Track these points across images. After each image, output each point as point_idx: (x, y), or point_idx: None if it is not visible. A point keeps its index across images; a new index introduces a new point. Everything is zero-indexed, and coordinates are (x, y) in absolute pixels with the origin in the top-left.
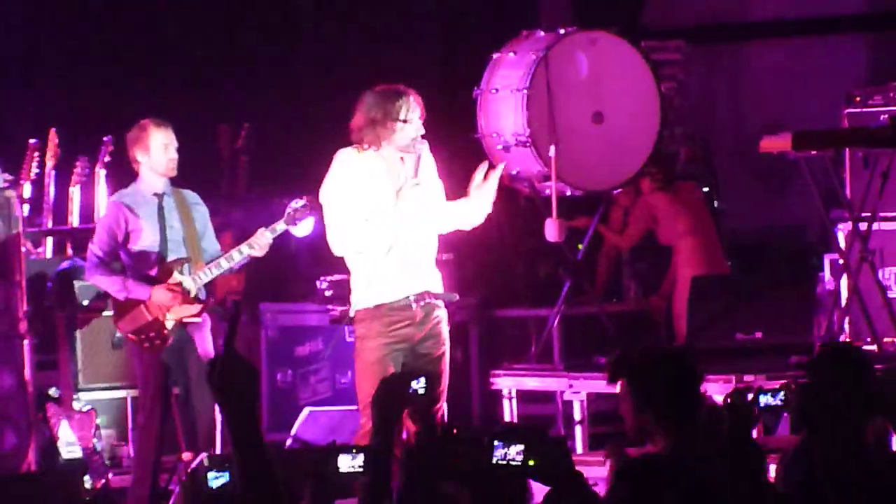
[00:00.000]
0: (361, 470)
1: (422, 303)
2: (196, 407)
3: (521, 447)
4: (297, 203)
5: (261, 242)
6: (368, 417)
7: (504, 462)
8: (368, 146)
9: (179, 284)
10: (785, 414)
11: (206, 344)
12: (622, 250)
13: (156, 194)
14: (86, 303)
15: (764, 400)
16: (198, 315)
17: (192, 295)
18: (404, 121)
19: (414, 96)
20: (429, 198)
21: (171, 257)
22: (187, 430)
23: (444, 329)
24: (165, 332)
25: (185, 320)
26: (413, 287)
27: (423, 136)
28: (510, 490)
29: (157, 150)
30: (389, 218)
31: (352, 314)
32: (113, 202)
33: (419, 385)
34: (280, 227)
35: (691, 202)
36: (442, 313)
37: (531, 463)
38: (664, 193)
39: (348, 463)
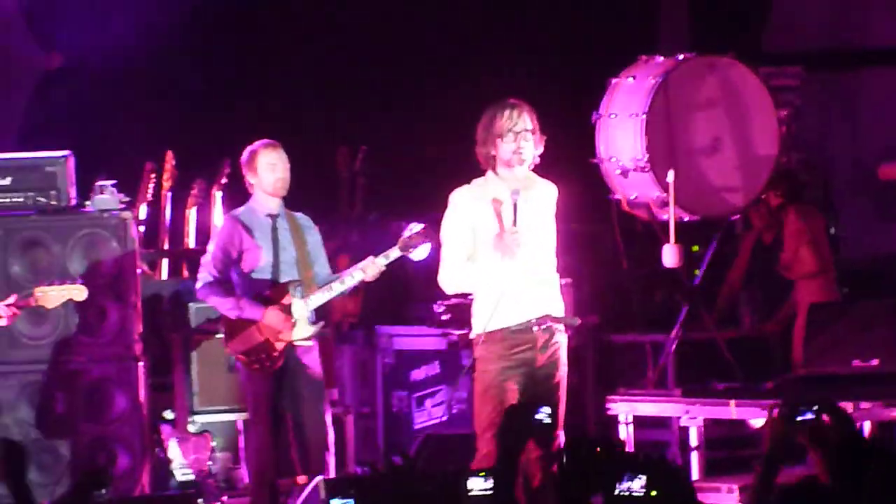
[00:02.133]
0: (491, 493)
1: (543, 326)
2: (307, 430)
3: (643, 479)
4: (412, 230)
5: (371, 270)
6: (487, 442)
7: (627, 494)
8: (485, 168)
9: (292, 307)
10: None
11: (316, 366)
12: (817, 274)
13: (269, 215)
14: (194, 325)
15: (801, 417)
16: (309, 338)
17: (304, 318)
18: (501, 135)
19: (515, 108)
20: (532, 241)
21: (283, 279)
22: (301, 452)
23: (563, 354)
24: (276, 353)
25: (295, 343)
26: (535, 311)
27: (541, 153)
28: None
29: (265, 170)
30: (490, 261)
31: (472, 336)
32: (228, 220)
33: (544, 414)
34: (394, 254)
35: (818, 225)
36: (562, 338)
37: (653, 494)
38: (797, 213)
39: (479, 486)
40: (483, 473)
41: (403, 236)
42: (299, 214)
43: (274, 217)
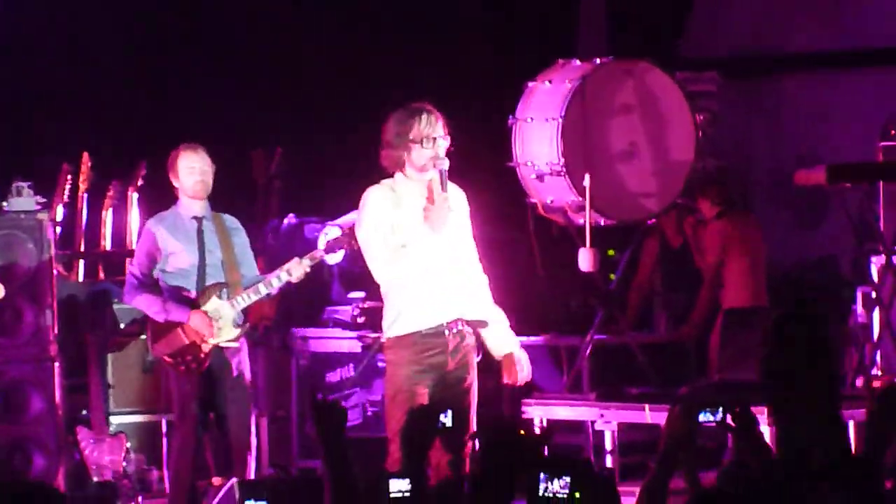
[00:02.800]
0: (409, 494)
1: (454, 330)
2: (231, 431)
3: (566, 480)
4: (328, 233)
5: (296, 271)
6: (398, 445)
7: (550, 495)
8: (392, 171)
9: (217, 309)
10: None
11: (243, 368)
12: (738, 280)
13: (195, 218)
14: (122, 326)
15: (703, 417)
16: (235, 340)
17: (230, 320)
18: (418, 141)
19: (430, 114)
20: (457, 218)
21: (209, 281)
22: (219, 454)
23: (473, 359)
24: (202, 355)
25: (222, 344)
26: (446, 314)
27: (447, 157)
28: None
29: (184, 173)
30: (424, 239)
31: (383, 340)
32: (152, 224)
33: (447, 418)
34: (318, 254)
35: (750, 232)
36: (472, 341)
37: (577, 496)
38: (723, 221)
39: (400, 487)
40: (404, 475)
41: (326, 238)
42: (227, 216)
43: (199, 219)
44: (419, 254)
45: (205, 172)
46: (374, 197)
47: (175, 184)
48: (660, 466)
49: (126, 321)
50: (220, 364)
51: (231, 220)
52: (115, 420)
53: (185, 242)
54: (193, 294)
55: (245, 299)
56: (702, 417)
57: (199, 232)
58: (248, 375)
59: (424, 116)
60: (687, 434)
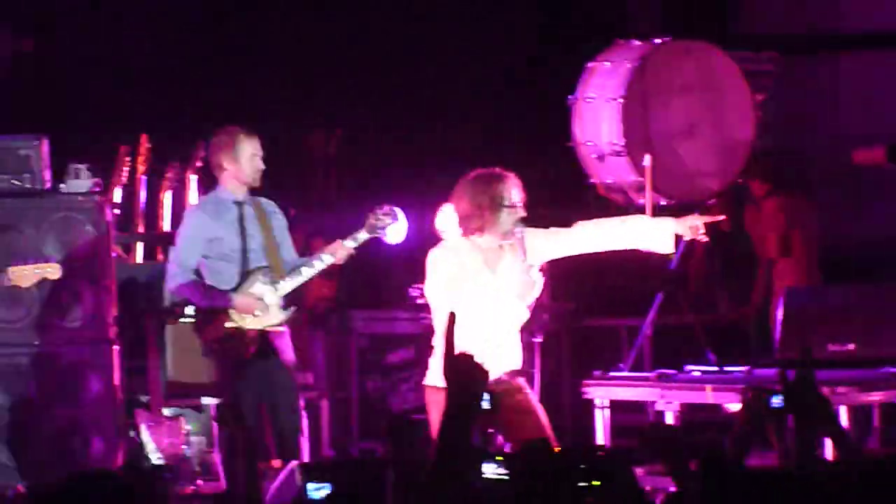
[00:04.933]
0: (508, 477)
1: (502, 386)
2: (281, 415)
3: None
4: (379, 212)
5: (340, 253)
6: None
7: None
8: (473, 233)
9: (261, 294)
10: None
11: (288, 352)
12: (774, 259)
13: (236, 202)
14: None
15: (776, 401)
16: (280, 324)
17: (275, 304)
18: (511, 206)
19: (514, 179)
20: (530, 277)
21: (251, 266)
22: (275, 437)
23: (531, 394)
24: (248, 340)
25: (267, 329)
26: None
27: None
28: None
29: (246, 160)
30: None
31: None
32: (193, 210)
33: (484, 400)
34: (362, 236)
35: (803, 210)
36: (522, 381)
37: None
38: (777, 199)
39: (493, 470)
40: (500, 458)
41: (370, 219)
42: (264, 200)
43: (240, 204)
44: (475, 319)
45: (261, 158)
46: (439, 258)
47: (228, 167)
48: (735, 447)
49: (178, 303)
50: (266, 348)
51: (269, 204)
52: (174, 403)
53: (227, 227)
54: (236, 280)
55: (288, 283)
56: (774, 401)
57: (241, 217)
58: (293, 359)
59: (512, 181)
60: (759, 418)
